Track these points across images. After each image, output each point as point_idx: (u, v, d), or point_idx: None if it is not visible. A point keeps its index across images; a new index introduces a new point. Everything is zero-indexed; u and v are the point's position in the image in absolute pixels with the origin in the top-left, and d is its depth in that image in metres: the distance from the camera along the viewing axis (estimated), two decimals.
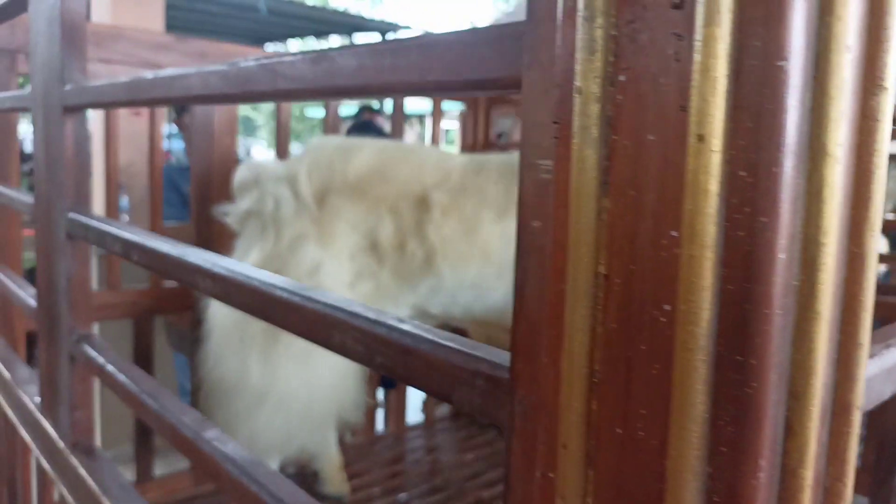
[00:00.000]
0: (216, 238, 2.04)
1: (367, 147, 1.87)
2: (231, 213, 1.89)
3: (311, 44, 12.47)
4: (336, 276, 1.81)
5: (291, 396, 1.73)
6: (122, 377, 0.81)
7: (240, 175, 1.88)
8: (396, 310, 1.90)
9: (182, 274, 0.70)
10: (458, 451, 2.60)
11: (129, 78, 0.75)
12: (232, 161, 2.04)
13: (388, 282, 1.82)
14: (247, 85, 0.61)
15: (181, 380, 3.24)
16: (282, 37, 10.60)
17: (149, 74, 0.73)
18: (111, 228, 0.80)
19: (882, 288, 2.25)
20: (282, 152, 2.14)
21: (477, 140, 2.71)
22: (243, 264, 0.69)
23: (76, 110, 0.83)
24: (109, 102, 0.87)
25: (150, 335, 2.01)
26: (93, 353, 0.87)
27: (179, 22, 7.09)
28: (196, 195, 2.00)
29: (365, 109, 3.95)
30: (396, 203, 1.80)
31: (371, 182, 1.82)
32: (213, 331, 1.79)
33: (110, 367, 0.84)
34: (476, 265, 1.79)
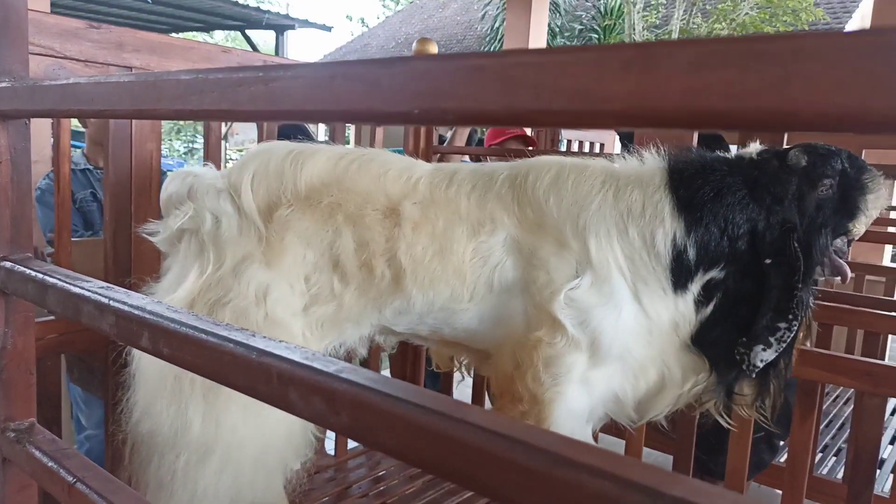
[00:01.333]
0: (138, 259, 1.74)
1: (322, 153, 1.64)
2: (160, 231, 1.61)
3: (202, 37, 11.79)
4: (286, 301, 1.58)
5: (241, 448, 1.48)
6: (87, 490, 0.57)
7: (170, 187, 1.60)
8: (358, 331, 1.69)
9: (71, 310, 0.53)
10: (406, 478, 2.41)
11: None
12: (155, 170, 1.75)
13: (351, 303, 1.61)
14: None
15: (77, 413, 2.85)
16: (167, 30, 9.91)
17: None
18: (71, 284, 0.57)
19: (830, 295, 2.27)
20: (215, 159, 1.86)
21: (419, 145, 2.53)
22: (156, 301, 0.52)
23: (14, 117, 0.59)
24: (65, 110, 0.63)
25: (56, 377, 1.68)
26: (37, 453, 0.62)
27: (61, 10, 6.44)
28: (112, 209, 1.69)
29: None
30: (360, 212, 1.59)
31: (327, 191, 1.59)
32: (140, 374, 1.51)
33: (66, 474, 0.59)
34: (448, 287, 1.60)
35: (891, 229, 3.31)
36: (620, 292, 1.55)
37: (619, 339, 1.55)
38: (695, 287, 1.56)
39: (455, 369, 1.96)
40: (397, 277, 1.58)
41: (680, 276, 1.54)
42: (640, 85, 0.28)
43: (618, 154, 1.70)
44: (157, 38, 1.67)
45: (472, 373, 1.94)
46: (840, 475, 2.53)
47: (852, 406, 3.18)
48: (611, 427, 1.92)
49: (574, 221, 1.56)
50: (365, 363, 2.39)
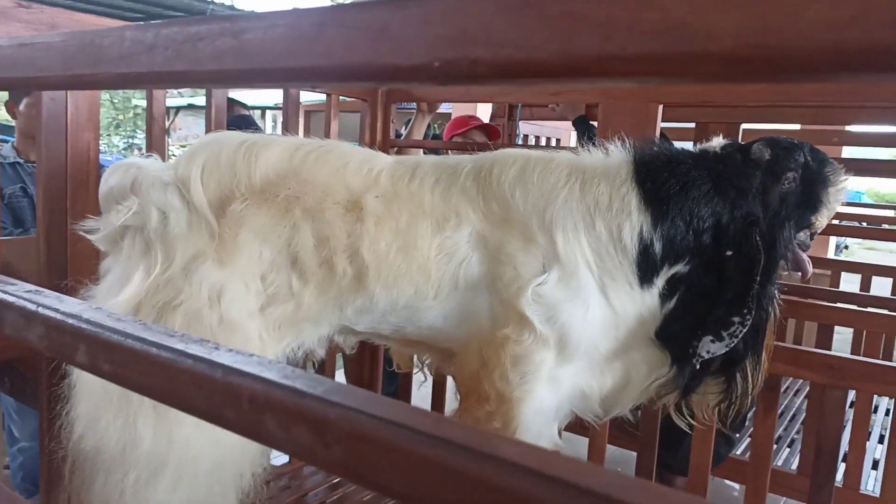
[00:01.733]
0: (74, 259, 1.61)
1: (277, 144, 1.55)
2: (99, 228, 1.49)
3: None
4: (242, 301, 1.49)
5: (195, 462, 1.38)
6: None
7: (111, 179, 1.49)
8: (317, 331, 1.61)
9: None
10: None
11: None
12: (93, 162, 1.62)
13: (311, 302, 1.52)
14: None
15: (9, 424, 2.68)
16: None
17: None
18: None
19: (812, 292, 2.30)
20: (159, 151, 1.75)
21: (375, 137, 2.45)
22: (95, 307, 0.45)
23: None
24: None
25: None
26: None
27: None
28: (45, 204, 1.56)
29: (234, 104, 3.51)
30: (319, 205, 1.50)
31: (283, 184, 1.51)
32: (82, 384, 1.39)
33: None
34: (413, 285, 1.54)
35: (834, 221, 3.39)
36: (588, 287, 1.51)
37: (587, 334, 1.52)
38: (660, 281, 1.53)
39: (416, 370, 1.89)
40: (360, 275, 1.51)
41: (646, 270, 1.52)
42: (761, 15, 0.22)
43: (581, 146, 1.66)
44: (93, 20, 1.55)
45: (433, 373, 1.88)
46: (795, 466, 2.57)
47: (805, 397, 3.25)
48: (574, 424, 1.89)
49: (540, 215, 1.52)
50: (321, 365, 2.30)
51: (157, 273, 1.43)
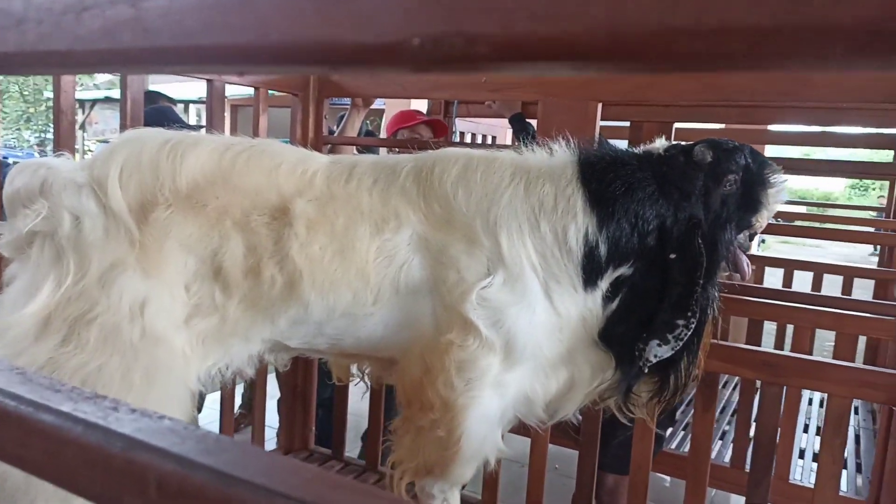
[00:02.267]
0: None
1: (204, 144, 1.45)
2: (4, 234, 1.35)
3: None
4: (168, 313, 1.38)
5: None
6: None
7: (17, 180, 1.35)
8: (246, 348, 1.51)
9: None
10: None
11: None
12: None
13: (237, 316, 1.43)
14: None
15: None
16: None
17: None
18: None
19: (748, 290, 2.34)
20: (69, 148, 1.61)
21: (307, 134, 2.35)
22: None
23: None
24: None
25: None
26: None
27: None
28: None
29: (155, 95, 3.30)
30: (247, 217, 1.41)
31: (212, 190, 1.41)
32: None
33: None
34: (351, 290, 1.46)
35: None
36: (533, 290, 1.48)
37: (532, 338, 1.48)
38: (604, 283, 1.51)
39: (355, 382, 1.82)
40: (292, 281, 1.42)
41: (591, 272, 1.49)
42: None
43: (518, 144, 1.62)
44: None
45: (374, 382, 1.81)
46: (727, 459, 2.63)
47: (734, 389, 3.35)
48: (516, 426, 1.86)
49: (484, 216, 1.47)
50: (252, 383, 2.19)
51: (69, 283, 1.30)
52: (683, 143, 1.61)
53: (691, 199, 1.51)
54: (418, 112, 3.11)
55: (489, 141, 3.87)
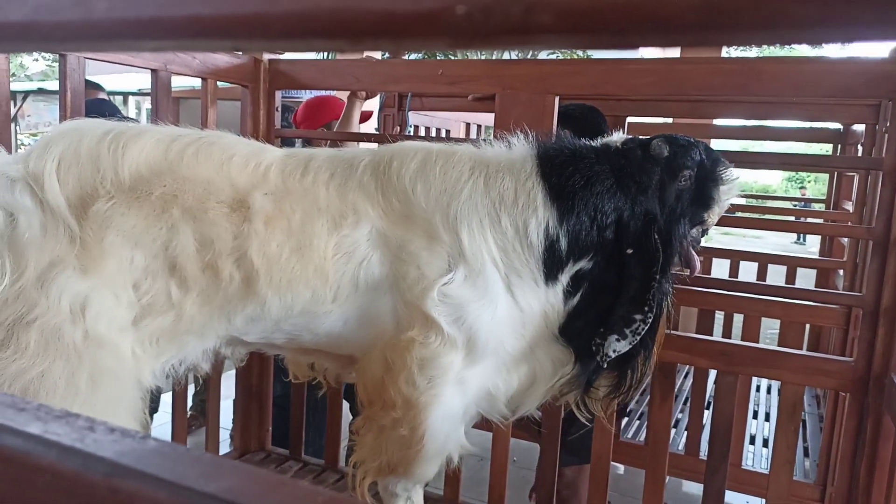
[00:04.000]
0: None
1: (148, 135, 1.38)
2: None
3: None
4: (111, 314, 1.31)
5: None
6: None
7: None
8: (201, 344, 1.45)
9: None
10: None
11: None
12: None
13: (193, 312, 1.37)
14: None
15: None
16: None
17: None
18: None
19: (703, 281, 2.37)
20: (4, 142, 1.51)
21: (259, 128, 2.28)
22: None
23: None
24: None
25: None
26: None
27: None
28: None
29: (88, 86, 3.12)
30: (203, 204, 1.35)
31: (158, 181, 1.34)
32: None
33: None
34: (309, 288, 1.42)
35: None
36: (495, 285, 1.46)
37: (494, 334, 1.47)
38: (564, 278, 1.51)
39: (313, 379, 1.77)
40: (249, 280, 1.37)
41: (552, 266, 1.48)
42: None
43: (483, 139, 1.60)
44: None
45: (333, 381, 1.76)
46: (682, 446, 2.68)
47: (685, 377, 3.41)
48: (479, 422, 1.84)
49: (444, 211, 1.45)
50: (204, 385, 2.12)
51: (5, 285, 1.23)
52: (640, 137, 1.62)
53: (648, 193, 1.52)
54: (339, 99, 2.98)
55: (443, 134, 3.84)
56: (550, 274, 1.49)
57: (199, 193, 1.35)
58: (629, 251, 1.50)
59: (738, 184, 1.65)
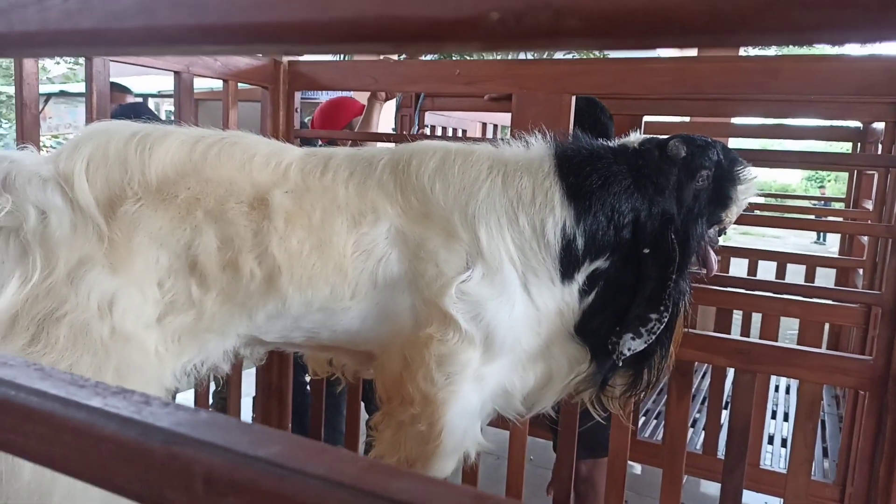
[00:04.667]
0: None
1: (174, 136, 1.41)
2: None
3: None
4: (138, 311, 1.34)
5: (85, 491, 1.23)
6: None
7: None
8: (222, 343, 1.48)
9: None
10: None
11: None
12: None
13: (214, 310, 1.40)
14: None
15: None
16: None
17: None
18: None
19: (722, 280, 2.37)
20: (33, 140, 1.55)
21: (278, 129, 2.31)
22: None
23: None
24: None
25: None
26: None
27: None
28: None
29: (116, 88, 3.18)
30: (223, 205, 1.38)
31: (183, 182, 1.37)
32: None
33: None
34: (328, 285, 1.44)
35: None
36: (512, 283, 1.48)
37: (512, 332, 1.48)
38: (581, 277, 1.52)
39: (332, 375, 1.79)
40: (270, 276, 1.39)
41: (568, 265, 1.50)
42: None
43: (501, 139, 1.62)
44: None
45: (352, 378, 1.79)
46: (699, 446, 2.67)
47: (703, 377, 3.40)
48: (495, 418, 1.86)
49: (463, 210, 1.46)
50: (225, 382, 2.15)
51: (36, 280, 1.26)
52: (658, 136, 1.63)
53: (665, 194, 1.53)
54: (353, 99, 3.00)
55: (460, 134, 3.86)
56: (567, 273, 1.50)
57: (220, 195, 1.38)
58: (646, 251, 1.51)
59: (757, 183, 1.65)
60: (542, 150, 1.55)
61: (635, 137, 1.63)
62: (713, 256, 1.68)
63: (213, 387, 3.21)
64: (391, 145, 1.66)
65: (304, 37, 0.25)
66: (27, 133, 1.59)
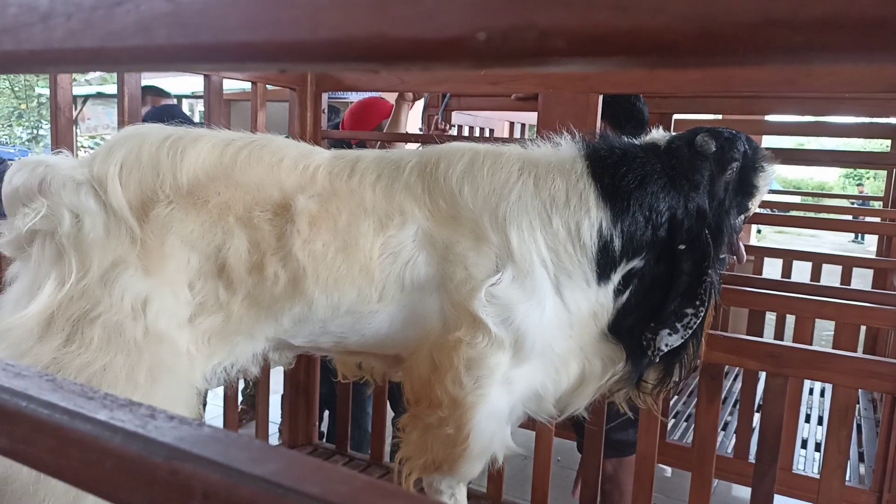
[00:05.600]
0: None
1: (205, 140, 1.43)
2: (4, 233, 1.34)
3: None
4: (170, 312, 1.37)
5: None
6: None
7: (15, 179, 1.33)
8: (251, 346, 1.50)
9: None
10: None
11: None
12: None
13: (241, 313, 1.42)
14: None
15: None
16: None
17: None
18: None
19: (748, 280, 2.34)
20: (67, 146, 1.59)
21: (306, 130, 2.33)
22: None
23: None
24: None
25: None
26: None
27: None
28: None
29: (150, 91, 3.25)
30: (249, 213, 1.40)
31: (213, 187, 1.39)
32: None
33: None
34: (355, 287, 1.45)
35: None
36: (543, 286, 1.47)
37: (542, 335, 1.48)
38: (616, 277, 1.51)
39: (361, 378, 1.80)
40: (295, 279, 1.41)
41: (605, 266, 1.49)
42: None
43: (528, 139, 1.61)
44: None
45: (380, 380, 1.80)
46: (730, 449, 2.63)
47: (735, 380, 3.35)
48: (525, 422, 1.85)
49: (493, 212, 1.46)
50: (254, 379, 2.18)
51: (71, 282, 1.29)
52: (681, 133, 1.61)
53: (699, 189, 1.52)
54: (383, 99, 3.01)
55: (487, 133, 3.85)
56: (603, 274, 1.50)
57: (248, 200, 1.40)
58: (681, 247, 1.50)
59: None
60: (573, 151, 1.54)
61: (659, 134, 1.61)
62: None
63: (240, 385, 3.25)
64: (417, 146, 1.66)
65: (294, 56, 0.26)
66: (62, 136, 1.63)
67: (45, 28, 0.29)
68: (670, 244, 1.50)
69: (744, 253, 1.72)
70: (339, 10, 0.24)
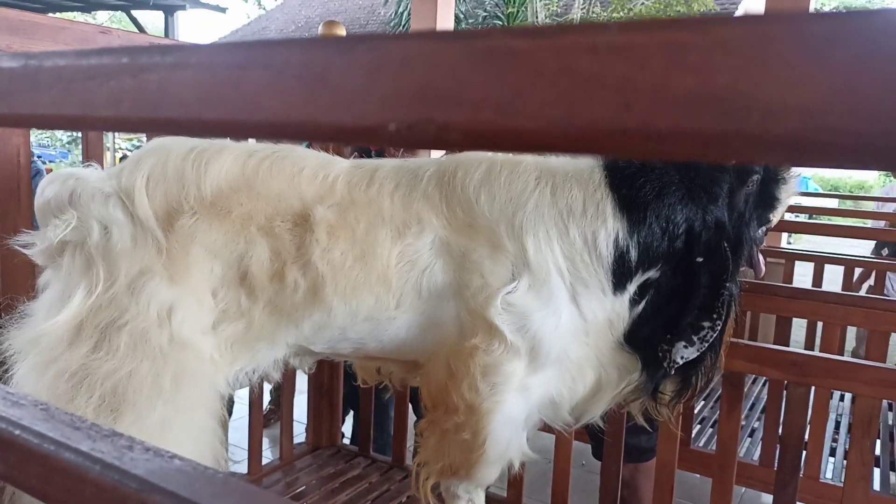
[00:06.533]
0: (7, 275, 1.50)
1: (228, 151, 1.47)
2: (36, 243, 1.39)
3: (82, 19, 10.95)
4: (195, 319, 1.41)
5: None
6: None
7: (47, 191, 1.39)
8: (272, 353, 1.54)
9: None
10: (327, 493, 2.27)
11: None
12: (24, 168, 1.51)
13: (263, 320, 1.46)
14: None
15: None
16: (42, 9, 9.09)
17: None
18: None
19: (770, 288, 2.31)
20: (97, 158, 1.64)
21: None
22: None
23: None
24: None
25: None
26: None
27: None
28: None
29: None
30: (271, 223, 1.43)
31: (236, 197, 1.43)
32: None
33: None
34: (373, 295, 1.48)
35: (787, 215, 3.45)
36: (559, 295, 1.48)
37: (558, 343, 1.49)
38: (632, 287, 1.51)
39: (381, 383, 1.83)
40: (315, 287, 1.44)
41: (621, 276, 1.49)
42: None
43: None
44: (17, 16, 1.42)
45: (399, 385, 1.83)
46: (756, 457, 2.60)
47: (763, 385, 3.31)
48: (544, 425, 1.86)
49: (509, 221, 1.48)
50: (278, 387, 2.22)
51: (99, 291, 1.34)
52: None
53: (718, 202, 1.51)
54: None
55: None
56: (619, 284, 1.50)
57: (270, 210, 1.43)
58: (699, 259, 1.50)
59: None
60: (590, 161, 1.55)
61: None
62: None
63: (268, 384, 3.31)
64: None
65: (237, 132, 0.29)
66: (91, 148, 1.69)
67: (31, 96, 0.33)
68: (688, 256, 1.50)
69: (763, 266, 1.70)
70: (278, 97, 0.27)
